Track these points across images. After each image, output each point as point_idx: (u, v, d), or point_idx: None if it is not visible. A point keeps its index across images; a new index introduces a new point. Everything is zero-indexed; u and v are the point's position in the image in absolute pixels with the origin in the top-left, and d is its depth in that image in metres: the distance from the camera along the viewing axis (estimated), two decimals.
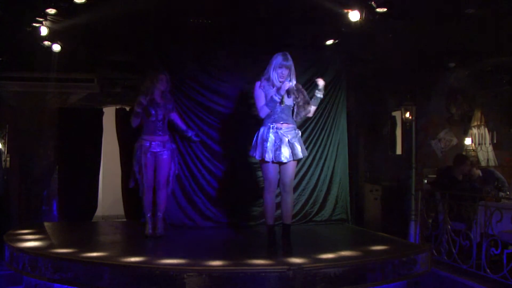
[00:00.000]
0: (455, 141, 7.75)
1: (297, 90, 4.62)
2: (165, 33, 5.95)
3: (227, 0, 5.25)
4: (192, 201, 6.10)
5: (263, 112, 4.54)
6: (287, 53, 4.54)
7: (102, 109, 7.29)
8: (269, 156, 4.45)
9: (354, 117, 7.32)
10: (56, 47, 5.90)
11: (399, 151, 7.84)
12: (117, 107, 7.22)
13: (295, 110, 4.65)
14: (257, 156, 4.54)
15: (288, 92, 4.49)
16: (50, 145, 7.25)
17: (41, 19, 5.34)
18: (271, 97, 4.47)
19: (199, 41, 6.10)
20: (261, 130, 4.58)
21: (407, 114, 7.07)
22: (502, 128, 7.33)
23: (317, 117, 6.39)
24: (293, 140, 4.50)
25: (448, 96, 7.75)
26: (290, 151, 4.47)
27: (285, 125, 4.53)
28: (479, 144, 7.72)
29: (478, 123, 7.74)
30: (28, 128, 7.16)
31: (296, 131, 4.62)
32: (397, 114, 7.73)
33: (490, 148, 7.54)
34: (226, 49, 6.16)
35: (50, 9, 5.15)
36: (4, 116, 7.21)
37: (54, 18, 5.33)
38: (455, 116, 7.80)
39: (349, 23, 5.18)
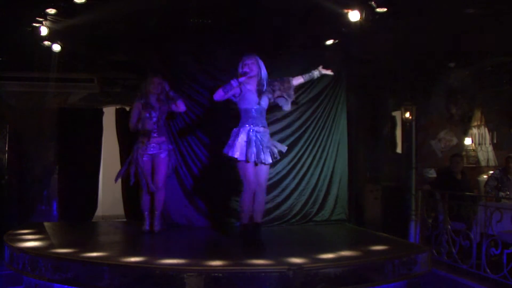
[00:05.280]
0: (455, 141, 7.75)
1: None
2: (165, 33, 5.94)
3: (227, 0, 5.25)
4: (192, 200, 6.10)
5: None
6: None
7: (102, 109, 7.29)
8: (253, 158, 4.61)
9: (354, 117, 7.31)
10: (56, 47, 5.90)
11: (399, 151, 7.83)
12: (117, 107, 7.22)
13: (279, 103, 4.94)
14: (240, 157, 4.64)
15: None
16: (50, 145, 7.24)
17: (41, 19, 5.34)
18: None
19: (199, 41, 6.09)
20: (241, 130, 4.69)
21: (407, 114, 7.07)
22: (502, 128, 7.33)
23: (317, 117, 6.40)
24: (268, 144, 4.73)
25: (448, 96, 7.75)
26: (269, 153, 4.68)
27: (262, 128, 4.74)
28: (479, 144, 7.73)
29: (478, 123, 7.74)
30: (28, 128, 7.15)
31: (268, 135, 4.85)
32: (397, 114, 7.72)
33: (490, 148, 7.55)
34: (226, 49, 6.15)
35: (50, 9, 5.15)
36: (4, 116, 7.20)
37: (54, 18, 5.33)
38: (455, 116, 7.80)
39: (349, 23, 5.18)
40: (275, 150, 4.76)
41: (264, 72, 4.81)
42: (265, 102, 4.77)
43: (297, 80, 4.93)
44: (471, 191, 6.43)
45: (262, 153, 4.62)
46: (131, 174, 5.41)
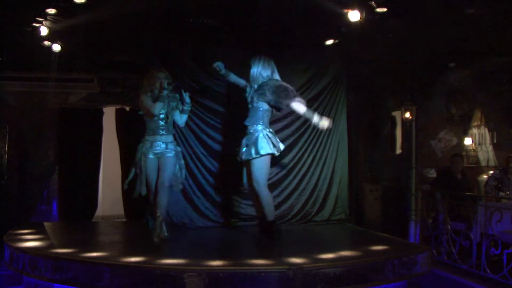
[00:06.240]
0: (455, 141, 7.76)
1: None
2: (165, 33, 5.94)
3: (227, 0, 5.25)
4: (191, 200, 6.09)
5: None
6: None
7: (102, 109, 7.29)
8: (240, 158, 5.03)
9: (354, 117, 7.32)
10: (56, 47, 5.89)
11: (399, 151, 7.84)
12: (117, 107, 7.22)
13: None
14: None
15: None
16: (50, 145, 7.24)
17: (41, 19, 5.33)
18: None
19: (199, 41, 6.09)
20: None
21: (407, 114, 7.07)
22: (502, 128, 7.33)
23: None
24: (250, 142, 4.88)
25: (448, 96, 7.75)
26: (247, 152, 4.87)
27: (251, 128, 4.96)
28: (479, 144, 7.73)
29: (478, 123, 7.75)
30: (28, 128, 7.16)
31: (257, 133, 4.88)
32: (397, 114, 7.73)
33: (490, 148, 7.55)
34: (226, 49, 6.15)
35: (50, 9, 5.14)
36: (4, 116, 7.20)
37: (54, 18, 5.32)
38: (455, 116, 7.81)
39: (349, 23, 5.18)
40: (256, 149, 4.80)
41: (253, 70, 5.03)
42: (258, 103, 4.94)
43: (298, 106, 4.84)
44: (471, 191, 6.43)
45: (241, 151, 4.96)
46: (137, 173, 5.14)
